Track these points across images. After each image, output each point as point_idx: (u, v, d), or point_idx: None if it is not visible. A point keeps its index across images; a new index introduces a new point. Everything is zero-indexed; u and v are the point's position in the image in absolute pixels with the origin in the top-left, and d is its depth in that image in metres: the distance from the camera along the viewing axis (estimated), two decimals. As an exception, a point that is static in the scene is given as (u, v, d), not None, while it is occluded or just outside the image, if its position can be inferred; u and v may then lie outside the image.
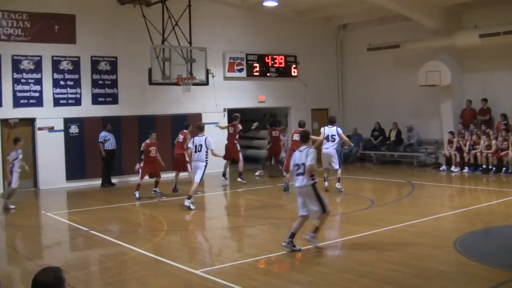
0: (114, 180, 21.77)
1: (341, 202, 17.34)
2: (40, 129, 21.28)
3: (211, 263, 10.35)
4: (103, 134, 21.28)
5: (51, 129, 21.46)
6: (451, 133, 23.33)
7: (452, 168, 22.80)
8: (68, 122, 21.79)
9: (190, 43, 20.62)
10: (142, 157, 18.09)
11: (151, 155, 18.11)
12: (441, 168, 23.29)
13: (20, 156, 16.90)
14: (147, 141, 18.21)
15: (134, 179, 20.08)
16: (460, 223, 13.64)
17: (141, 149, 18.19)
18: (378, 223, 13.19)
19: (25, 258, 11.51)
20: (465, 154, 22.58)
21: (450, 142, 23.18)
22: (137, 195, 17.66)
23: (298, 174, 10.92)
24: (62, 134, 21.62)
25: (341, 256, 10.65)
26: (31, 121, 21.33)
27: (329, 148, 18.42)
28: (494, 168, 21.60)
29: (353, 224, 13.48)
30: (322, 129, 19.12)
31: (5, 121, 20.77)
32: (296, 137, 18.32)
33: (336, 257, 10.58)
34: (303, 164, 10.80)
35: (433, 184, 20.07)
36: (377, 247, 11.07)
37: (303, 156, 10.88)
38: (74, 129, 21.87)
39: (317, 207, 10.92)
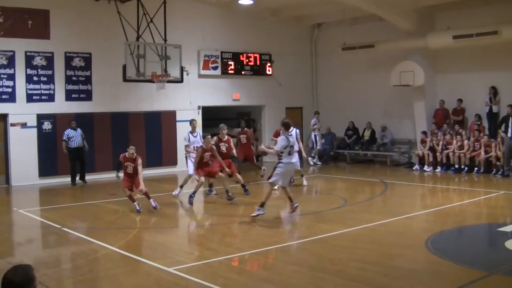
0: (86, 177, 21.60)
1: (313, 201, 17.42)
2: (12, 125, 21.10)
3: (183, 261, 10.32)
4: (66, 132, 21.14)
5: (23, 125, 21.29)
6: (424, 133, 23.52)
7: (425, 167, 23.00)
8: (41, 118, 21.62)
9: (165, 40, 20.57)
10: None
11: (128, 171, 15.61)
12: (414, 168, 23.49)
13: None
14: (126, 154, 15.62)
15: (106, 176, 20.09)
16: (432, 222, 13.77)
17: (119, 159, 15.94)
18: (350, 222, 13.25)
19: (-5, 255, 11.42)
20: (438, 154, 22.77)
21: (423, 141, 23.36)
22: (137, 208, 15.48)
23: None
24: (35, 130, 21.46)
25: (312, 254, 10.69)
26: (3, 117, 21.14)
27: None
28: (466, 168, 21.82)
29: (325, 223, 13.54)
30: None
31: (-24, 117, 20.59)
32: (243, 139, 18.78)
33: (307, 256, 10.62)
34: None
35: (406, 184, 20.21)
36: (348, 246, 11.15)
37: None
38: (47, 125, 21.71)
39: None
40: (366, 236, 12.04)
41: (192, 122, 18.92)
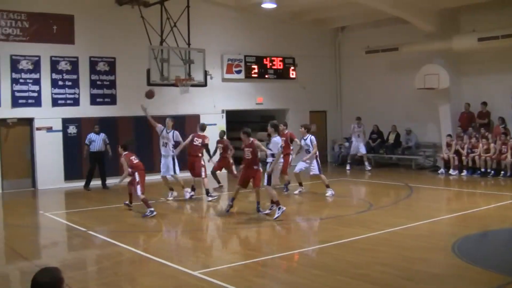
0: (109, 181, 21.50)
1: (338, 205, 17.35)
2: (38, 129, 21.31)
3: (207, 264, 10.34)
4: (89, 136, 21.15)
5: (49, 129, 21.49)
6: (450, 136, 23.35)
7: (450, 171, 22.82)
8: (66, 122, 21.82)
9: (189, 44, 20.63)
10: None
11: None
12: (439, 171, 23.30)
13: None
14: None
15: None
16: (457, 226, 13.64)
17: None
18: (375, 226, 13.19)
19: (22, 258, 11.51)
20: (463, 157, 22.61)
21: (449, 145, 23.19)
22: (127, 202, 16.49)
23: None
24: (60, 134, 21.64)
25: (336, 259, 10.63)
26: (29, 121, 21.36)
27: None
28: (492, 172, 21.63)
29: (350, 226, 13.47)
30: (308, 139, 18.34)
31: (3, 121, 20.80)
32: (197, 141, 18.12)
33: (331, 260, 10.56)
34: None
35: (431, 187, 20.09)
36: (372, 250, 11.08)
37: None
38: (72, 129, 21.88)
39: None
40: (391, 240, 11.97)
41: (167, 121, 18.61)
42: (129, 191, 16.01)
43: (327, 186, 18.14)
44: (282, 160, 16.39)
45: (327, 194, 17.92)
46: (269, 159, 15.14)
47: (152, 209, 15.27)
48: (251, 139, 15.19)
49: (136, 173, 15.52)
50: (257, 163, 15.25)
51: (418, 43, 24.59)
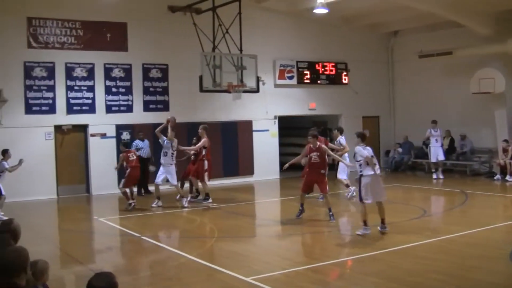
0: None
1: (391, 211, 17.11)
2: (92, 135, 21.59)
3: (260, 270, 10.27)
4: (135, 143, 21.22)
5: (103, 135, 21.75)
6: (506, 141, 22.87)
7: (507, 177, 22.34)
8: (119, 128, 22.05)
9: (241, 50, 20.65)
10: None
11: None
12: (495, 177, 22.82)
13: (6, 166, 16.86)
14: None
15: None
16: (515, 234, 13.37)
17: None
18: (429, 233, 13.00)
19: (77, 263, 11.63)
20: (520, 163, 22.18)
21: (505, 150, 22.72)
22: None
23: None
24: (113, 140, 21.87)
25: (390, 265, 10.47)
26: (83, 128, 21.64)
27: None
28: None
29: (404, 233, 13.26)
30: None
31: (58, 128, 21.12)
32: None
33: (385, 267, 10.40)
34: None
35: (486, 194, 19.70)
36: (426, 257, 10.89)
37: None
38: (125, 135, 22.09)
39: None
40: (445, 248, 11.75)
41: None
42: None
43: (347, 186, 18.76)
44: None
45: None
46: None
47: (131, 201, 17.66)
48: (318, 143, 15.08)
49: (129, 169, 17.68)
50: (324, 168, 15.21)
51: (473, 47, 24.19)
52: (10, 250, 5.31)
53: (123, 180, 17.79)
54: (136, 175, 18.22)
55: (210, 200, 18.29)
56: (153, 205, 18.09)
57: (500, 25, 23.17)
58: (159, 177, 18.13)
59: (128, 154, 17.94)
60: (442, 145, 24.41)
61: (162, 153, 18.26)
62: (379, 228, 12.99)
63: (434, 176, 24.00)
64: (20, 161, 17.03)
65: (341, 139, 18.61)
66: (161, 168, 18.27)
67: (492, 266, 10.22)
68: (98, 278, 4.78)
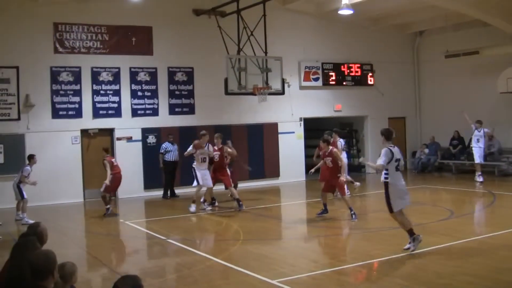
0: (178, 191, 21.83)
1: (418, 213, 17.00)
2: (118, 139, 21.71)
3: (287, 273, 10.23)
4: (164, 145, 21.43)
5: (129, 139, 21.86)
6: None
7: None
8: (145, 132, 22.14)
9: (266, 52, 20.63)
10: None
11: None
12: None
13: (30, 171, 17.06)
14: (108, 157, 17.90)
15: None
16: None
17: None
18: (457, 235, 12.84)
19: (104, 265, 11.68)
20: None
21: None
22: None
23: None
24: (140, 144, 21.98)
25: (418, 268, 10.37)
26: (110, 131, 21.77)
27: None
28: None
29: (431, 235, 13.12)
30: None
31: (85, 131, 21.27)
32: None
33: (413, 269, 10.30)
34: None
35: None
36: (455, 259, 10.76)
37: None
38: (151, 139, 22.18)
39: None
40: (475, 249, 11.60)
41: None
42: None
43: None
44: None
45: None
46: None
47: (108, 206, 17.49)
48: (331, 147, 15.26)
49: (112, 175, 17.39)
50: (339, 171, 15.39)
51: (500, 46, 23.98)
52: (38, 254, 5.36)
53: (104, 185, 17.40)
54: (119, 183, 18.12)
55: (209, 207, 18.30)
56: (207, 208, 18.12)
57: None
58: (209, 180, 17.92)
59: (112, 160, 17.87)
60: (483, 147, 23.21)
61: (201, 159, 17.81)
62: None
63: (476, 178, 22.71)
64: (34, 183, 17.08)
65: (339, 142, 18.84)
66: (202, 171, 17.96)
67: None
68: (124, 281, 4.81)
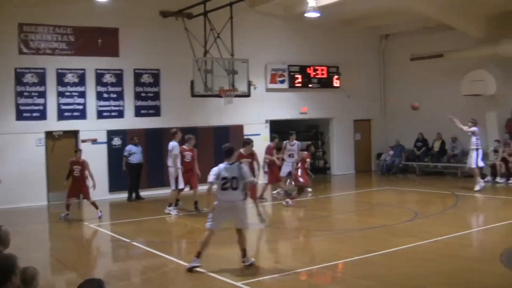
0: (143, 193, 21.73)
1: (383, 214, 17.17)
2: (83, 141, 21.51)
3: (251, 275, 10.26)
4: (129, 147, 21.25)
5: (94, 141, 21.69)
6: (497, 141, 22.97)
7: (498, 179, 22.42)
8: (111, 134, 22.00)
9: (232, 54, 20.65)
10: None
11: (75, 174, 17.28)
12: (486, 179, 22.81)
13: None
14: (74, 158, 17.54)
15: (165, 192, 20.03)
16: (506, 235, 13.39)
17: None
18: (422, 235, 12.98)
19: (68, 269, 11.61)
20: (510, 165, 22.20)
21: (496, 151, 22.80)
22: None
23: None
24: (105, 146, 21.83)
25: (384, 268, 10.47)
26: (74, 134, 21.58)
27: None
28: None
29: (396, 236, 13.29)
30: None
31: (49, 134, 21.06)
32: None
33: (379, 270, 10.40)
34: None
35: (477, 196, 19.71)
36: (421, 260, 10.92)
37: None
38: (117, 141, 22.04)
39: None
40: (439, 250, 11.77)
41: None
42: None
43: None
44: None
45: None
46: None
47: (68, 212, 17.26)
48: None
49: (73, 180, 17.28)
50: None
51: (464, 49, 24.27)
52: None
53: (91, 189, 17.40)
54: (79, 187, 17.53)
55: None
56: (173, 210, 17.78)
57: (491, 27, 23.23)
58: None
59: (74, 167, 17.39)
60: (477, 150, 20.70)
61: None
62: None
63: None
64: None
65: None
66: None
67: (488, 268, 10.24)
68: (88, 284, 4.77)
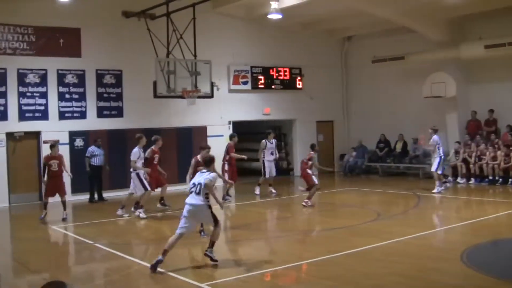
0: (106, 194, 21.64)
1: (346, 214, 17.29)
2: (45, 142, 21.22)
3: (216, 276, 10.28)
4: (91, 149, 21.11)
5: (56, 142, 21.46)
6: (458, 143, 23.28)
7: (458, 179, 22.74)
8: (73, 135, 21.83)
9: (195, 56, 20.65)
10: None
11: (53, 169, 17.16)
12: (447, 180, 23.13)
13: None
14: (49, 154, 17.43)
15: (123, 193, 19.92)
16: (467, 235, 13.57)
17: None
18: (384, 236, 13.10)
19: (30, 272, 11.48)
20: (471, 166, 22.51)
21: (457, 152, 23.10)
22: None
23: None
24: (67, 147, 21.59)
25: (346, 269, 10.55)
26: (36, 134, 21.36)
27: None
28: (500, 180, 21.53)
29: (359, 236, 13.40)
30: None
31: (10, 135, 20.81)
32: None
33: (341, 270, 10.47)
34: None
35: (439, 196, 19.95)
36: (383, 260, 11.00)
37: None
38: (79, 142, 21.90)
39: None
40: (401, 250, 11.90)
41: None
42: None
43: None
44: None
45: None
46: None
47: (45, 212, 17.11)
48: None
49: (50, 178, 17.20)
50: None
51: (425, 52, 24.59)
52: None
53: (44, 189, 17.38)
54: (58, 183, 17.46)
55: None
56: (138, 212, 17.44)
57: (452, 30, 23.64)
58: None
59: (50, 162, 17.23)
60: (440, 157, 20.51)
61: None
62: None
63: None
64: None
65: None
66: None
67: (448, 267, 10.34)
68: (50, 287, 4.72)
